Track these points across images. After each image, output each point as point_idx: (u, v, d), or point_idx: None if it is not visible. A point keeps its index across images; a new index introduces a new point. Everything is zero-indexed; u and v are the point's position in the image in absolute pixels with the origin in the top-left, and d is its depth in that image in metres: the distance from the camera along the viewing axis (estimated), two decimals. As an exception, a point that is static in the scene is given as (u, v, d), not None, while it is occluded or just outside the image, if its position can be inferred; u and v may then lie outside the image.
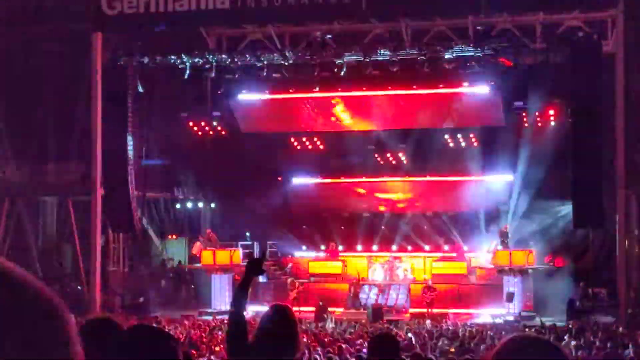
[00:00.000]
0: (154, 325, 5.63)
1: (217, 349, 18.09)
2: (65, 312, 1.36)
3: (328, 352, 15.70)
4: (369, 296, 34.69)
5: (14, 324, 1.27)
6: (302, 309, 31.63)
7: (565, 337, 23.29)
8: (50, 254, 36.26)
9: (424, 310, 32.31)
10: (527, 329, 25.74)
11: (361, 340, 20.06)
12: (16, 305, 1.29)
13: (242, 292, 6.08)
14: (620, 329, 25.77)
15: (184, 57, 32.95)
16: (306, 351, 15.87)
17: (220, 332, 22.71)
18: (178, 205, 40.96)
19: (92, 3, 32.04)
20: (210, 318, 30.69)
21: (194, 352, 16.40)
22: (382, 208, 39.44)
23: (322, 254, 37.93)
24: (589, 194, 29.87)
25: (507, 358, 2.63)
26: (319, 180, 39.73)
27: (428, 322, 28.93)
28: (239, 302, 6.03)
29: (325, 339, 20.44)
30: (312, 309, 32.08)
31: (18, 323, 1.27)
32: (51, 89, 33.86)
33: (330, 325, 28.59)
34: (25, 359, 1.26)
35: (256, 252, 32.97)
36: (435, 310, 32.16)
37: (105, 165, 33.00)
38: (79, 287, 33.99)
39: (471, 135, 36.94)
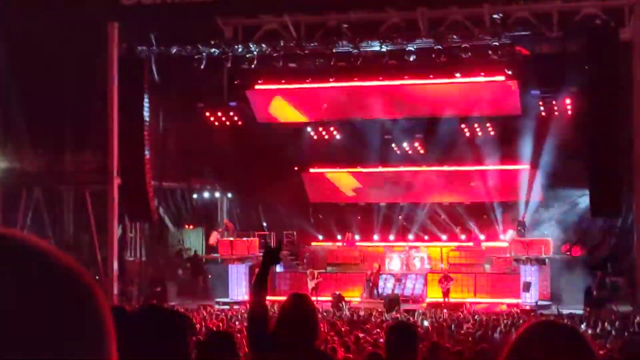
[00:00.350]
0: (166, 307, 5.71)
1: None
2: (101, 294, 1.37)
3: (345, 341, 15.70)
4: (385, 286, 34.72)
5: (52, 305, 1.27)
6: (319, 298, 31.68)
7: (583, 326, 23.27)
8: (67, 245, 36.40)
9: (441, 299, 32.32)
10: (544, 318, 25.69)
11: (378, 329, 20.07)
12: (56, 286, 1.30)
13: (261, 281, 6.10)
14: (638, 317, 25.68)
15: (200, 47, 32.99)
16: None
17: (237, 322, 22.76)
18: (195, 195, 41.04)
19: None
20: (227, 308, 30.77)
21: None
22: (399, 198, 39.38)
23: (339, 244, 37.95)
24: (606, 183, 29.77)
25: (528, 343, 2.63)
26: (335, 169, 39.69)
27: (445, 311, 28.93)
28: (258, 291, 6.05)
29: (342, 329, 20.44)
30: (329, 298, 32.12)
31: (56, 304, 1.28)
32: (68, 78, 33.93)
33: (346, 314, 28.62)
34: (61, 341, 1.26)
35: (273, 242, 33.00)
36: (451, 300, 32.16)
37: (122, 155, 33.09)
38: (96, 277, 34.12)
39: (488, 125, 36.80)
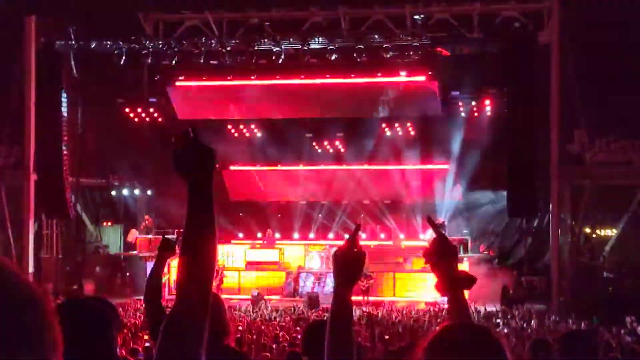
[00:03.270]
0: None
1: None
2: (46, 297, 1.34)
3: (264, 340, 15.66)
4: (305, 284, 34.75)
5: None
6: (239, 297, 31.59)
7: (499, 324, 23.59)
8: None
9: (360, 298, 32.46)
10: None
11: (298, 327, 20.06)
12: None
13: (153, 272, 6.10)
14: (553, 317, 26.15)
15: (120, 42, 32.59)
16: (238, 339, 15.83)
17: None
18: (114, 192, 40.55)
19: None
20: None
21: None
22: (319, 196, 39.45)
23: (258, 242, 37.87)
24: (523, 184, 30.24)
25: (441, 345, 2.62)
26: (256, 167, 39.62)
27: (363, 309, 29.04)
28: (150, 282, 6.05)
29: (262, 327, 20.39)
30: (249, 297, 32.07)
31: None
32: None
33: (266, 312, 28.56)
34: (7, 345, 1.24)
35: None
36: (371, 298, 32.31)
37: (39, 150, 32.56)
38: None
39: (408, 124, 37.07)
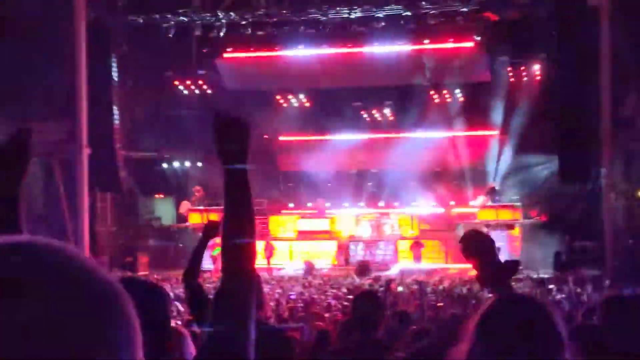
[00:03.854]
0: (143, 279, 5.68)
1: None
2: (125, 294, 1.40)
3: (315, 309, 15.78)
4: (356, 252, 34.86)
5: (77, 308, 1.29)
6: (290, 265, 31.89)
7: (553, 290, 23.49)
8: (38, 216, 36.15)
9: (412, 266, 32.50)
10: (513, 283, 25.90)
11: (350, 295, 20.15)
12: (78, 290, 1.32)
13: (195, 256, 6.17)
14: (607, 281, 25.97)
15: (168, 15, 32.76)
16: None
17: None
18: (165, 164, 40.86)
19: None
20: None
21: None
22: (369, 165, 39.47)
23: (309, 211, 38.01)
24: (575, 149, 29.99)
25: (493, 319, 2.66)
26: (305, 137, 39.70)
27: (415, 277, 29.08)
28: (191, 267, 6.12)
29: (314, 296, 20.50)
30: (300, 266, 32.28)
31: (81, 307, 1.30)
32: (34, 47, 33.55)
33: (316, 281, 28.71)
34: (87, 342, 1.29)
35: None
36: (422, 266, 32.34)
37: (90, 124, 32.88)
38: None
39: (457, 91, 36.89)
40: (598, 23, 30.38)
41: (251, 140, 3.02)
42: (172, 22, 32.89)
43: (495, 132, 36.54)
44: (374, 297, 6.97)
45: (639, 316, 5.01)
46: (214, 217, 34.41)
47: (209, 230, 6.33)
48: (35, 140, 3.36)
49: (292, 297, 19.86)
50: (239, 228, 2.85)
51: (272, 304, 16.68)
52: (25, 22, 32.85)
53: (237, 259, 2.81)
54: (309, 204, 38.32)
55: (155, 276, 27.77)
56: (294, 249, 35.59)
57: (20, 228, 3.26)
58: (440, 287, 24.52)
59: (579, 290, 23.32)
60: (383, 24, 32.11)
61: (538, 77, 34.70)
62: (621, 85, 30.84)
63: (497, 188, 34.31)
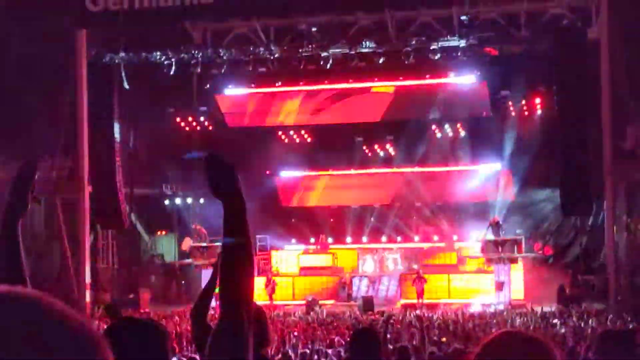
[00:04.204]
0: (141, 318, 5.62)
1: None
2: (103, 345, 1.37)
3: (318, 345, 15.70)
4: (359, 288, 34.75)
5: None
6: (293, 302, 31.78)
7: (557, 324, 23.41)
8: (39, 253, 36.11)
9: (415, 300, 32.38)
10: (517, 317, 25.82)
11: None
12: (59, 341, 1.30)
13: (205, 293, 6.12)
14: (610, 315, 25.86)
15: (169, 52, 32.90)
16: (291, 343, 15.89)
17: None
18: (167, 201, 40.87)
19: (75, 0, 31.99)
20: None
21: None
22: (371, 200, 39.46)
23: (312, 247, 37.95)
24: (577, 182, 29.99)
25: (493, 353, 2.64)
26: (307, 173, 39.73)
27: (418, 312, 28.96)
28: (200, 305, 6.07)
29: (318, 332, 20.44)
30: (303, 302, 32.15)
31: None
32: (37, 85, 33.69)
33: (320, 317, 28.60)
34: None
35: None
36: (425, 301, 32.22)
37: (92, 162, 32.93)
38: (68, 285, 33.86)
39: (458, 125, 37.01)
40: (598, 56, 30.49)
41: (237, 179, 3.01)
42: (173, 59, 33.01)
43: (497, 166, 36.56)
44: (372, 333, 6.92)
45: (630, 350, 5.00)
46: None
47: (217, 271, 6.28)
48: (39, 173, 3.38)
49: (295, 333, 19.77)
50: (237, 264, 2.84)
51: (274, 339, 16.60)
52: (27, 61, 33.03)
53: (235, 295, 2.80)
54: (312, 240, 38.27)
55: (157, 313, 27.64)
56: (297, 285, 35.49)
57: (21, 266, 3.25)
58: (439, 321, 24.40)
59: (582, 324, 23.24)
60: (383, 59, 32.23)
61: (539, 111, 34.76)
62: (622, 118, 30.89)
63: (500, 222, 34.25)
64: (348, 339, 16.47)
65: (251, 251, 2.93)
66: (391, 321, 23.77)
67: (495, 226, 33.63)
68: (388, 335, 12.00)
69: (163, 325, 3.81)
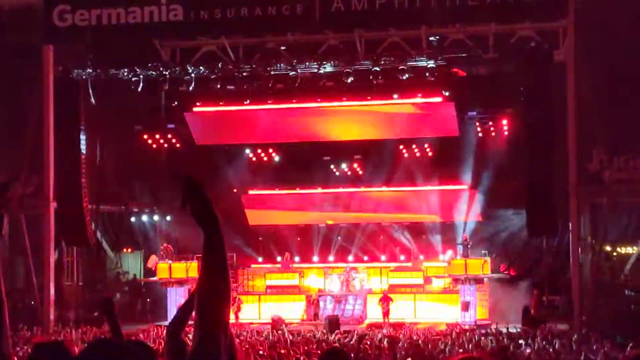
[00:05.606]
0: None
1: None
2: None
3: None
4: (325, 307, 34.69)
5: None
6: (259, 321, 31.65)
7: (522, 345, 23.46)
8: (3, 270, 35.74)
9: (381, 320, 32.38)
10: (483, 337, 25.86)
11: (319, 351, 20.00)
12: None
13: (183, 311, 6.08)
14: (575, 335, 25.97)
15: (137, 69, 32.79)
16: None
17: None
18: (133, 219, 40.66)
19: (42, 15, 31.82)
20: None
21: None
22: (329, 220, 39.41)
23: (278, 266, 37.84)
24: (542, 203, 30.20)
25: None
26: (274, 191, 39.67)
27: (384, 331, 28.94)
28: (177, 322, 6.01)
29: (282, 351, 20.35)
30: (269, 321, 32.03)
31: None
32: (2, 101, 33.49)
33: (285, 336, 28.48)
34: None
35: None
36: (391, 320, 32.22)
37: (58, 178, 32.71)
38: (32, 302, 33.58)
39: (426, 146, 37.11)
40: (564, 78, 30.77)
41: (205, 196, 3.07)
42: (141, 76, 32.90)
43: (465, 187, 36.72)
44: (341, 354, 6.88)
45: None
46: (193, 267, 34.32)
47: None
48: (9, 195, 3.34)
49: (260, 352, 19.67)
50: (214, 286, 2.85)
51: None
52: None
53: (211, 316, 2.80)
54: (278, 258, 38.19)
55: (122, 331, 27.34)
56: (263, 303, 35.39)
57: None
58: (403, 343, 24.38)
59: (546, 345, 23.33)
60: (352, 79, 32.32)
61: (506, 132, 35.00)
62: (587, 140, 31.17)
63: (468, 240, 34.31)
64: (314, 359, 16.42)
65: (228, 278, 2.94)
66: (363, 341, 23.78)
67: (465, 244, 33.78)
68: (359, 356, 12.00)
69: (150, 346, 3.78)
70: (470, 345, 22.74)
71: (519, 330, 28.74)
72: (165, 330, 6.44)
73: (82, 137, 33.13)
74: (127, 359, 3.34)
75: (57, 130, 32.55)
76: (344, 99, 34.90)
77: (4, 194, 3.28)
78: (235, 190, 39.37)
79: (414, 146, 37.31)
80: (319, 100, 35.17)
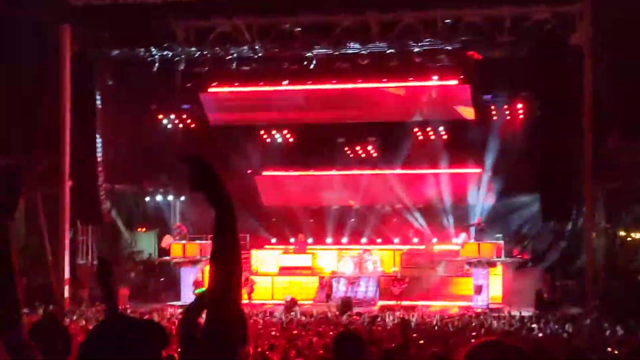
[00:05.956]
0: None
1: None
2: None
3: (297, 345, 15.71)
4: (338, 289, 34.75)
5: None
6: (272, 302, 31.78)
7: (534, 329, 23.49)
8: (18, 249, 35.91)
9: (393, 302, 32.43)
10: (495, 321, 25.90)
11: (331, 333, 20.08)
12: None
13: (193, 313, 6.10)
14: (588, 320, 25.99)
15: (152, 49, 32.82)
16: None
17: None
18: (147, 198, 40.78)
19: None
20: (179, 311, 30.61)
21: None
22: (351, 201, 39.48)
23: (291, 247, 37.93)
24: (556, 188, 30.13)
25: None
26: (288, 172, 39.69)
27: (397, 314, 29.00)
28: (198, 303, 6.04)
29: (295, 332, 20.43)
30: (282, 302, 32.13)
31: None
32: (19, 80, 33.55)
33: (298, 317, 28.57)
34: None
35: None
36: (404, 303, 32.26)
37: (74, 157, 32.81)
38: (48, 281, 33.74)
39: (440, 128, 37.06)
40: (580, 62, 30.62)
41: (214, 176, 3.11)
42: (157, 56, 32.95)
43: (479, 170, 36.65)
44: (356, 338, 6.92)
45: None
46: (207, 247, 34.44)
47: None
48: (24, 176, 3.40)
49: (273, 333, 19.77)
50: (225, 267, 2.89)
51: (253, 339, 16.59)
52: (10, 56, 32.88)
53: (222, 296, 2.83)
54: (291, 240, 38.27)
55: (135, 309, 27.55)
56: (276, 285, 35.48)
57: (12, 264, 3.25)
58: (417, 323, 24.45)
59: (559, 329, 23.35)
60: (367, 61, 32.26)
61: (521, 116, 34.89)
62: (603, 124, 31.04)
63: (482, 223, 34.25)
64: (328, 340, 16.48)
65: (239, 251, 2.97)
66: (376, 322, 23.84)
67: (480, 227, 33.72)
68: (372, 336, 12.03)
69: (159, 324, 3.80)
70: (482, 330, 22.78)
71: (531, 314, 28.74)
72: (183, 310, 6.45)
73: (98, 116, 33.22)
74: (139, 337, 3.38)
75: (74, 110, 32.62)
76: (359, 80, 34.86)
77: (17, 178, 3.31)
78: (249, 171, 39.42)
79: (428, 129, 37.26)
80: (334, 82, 35.13)
